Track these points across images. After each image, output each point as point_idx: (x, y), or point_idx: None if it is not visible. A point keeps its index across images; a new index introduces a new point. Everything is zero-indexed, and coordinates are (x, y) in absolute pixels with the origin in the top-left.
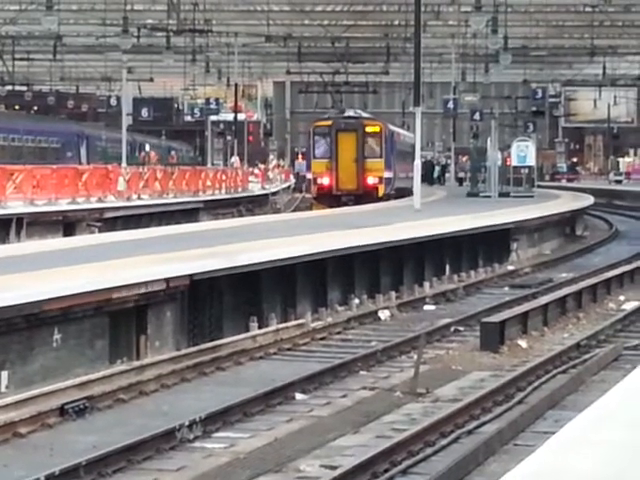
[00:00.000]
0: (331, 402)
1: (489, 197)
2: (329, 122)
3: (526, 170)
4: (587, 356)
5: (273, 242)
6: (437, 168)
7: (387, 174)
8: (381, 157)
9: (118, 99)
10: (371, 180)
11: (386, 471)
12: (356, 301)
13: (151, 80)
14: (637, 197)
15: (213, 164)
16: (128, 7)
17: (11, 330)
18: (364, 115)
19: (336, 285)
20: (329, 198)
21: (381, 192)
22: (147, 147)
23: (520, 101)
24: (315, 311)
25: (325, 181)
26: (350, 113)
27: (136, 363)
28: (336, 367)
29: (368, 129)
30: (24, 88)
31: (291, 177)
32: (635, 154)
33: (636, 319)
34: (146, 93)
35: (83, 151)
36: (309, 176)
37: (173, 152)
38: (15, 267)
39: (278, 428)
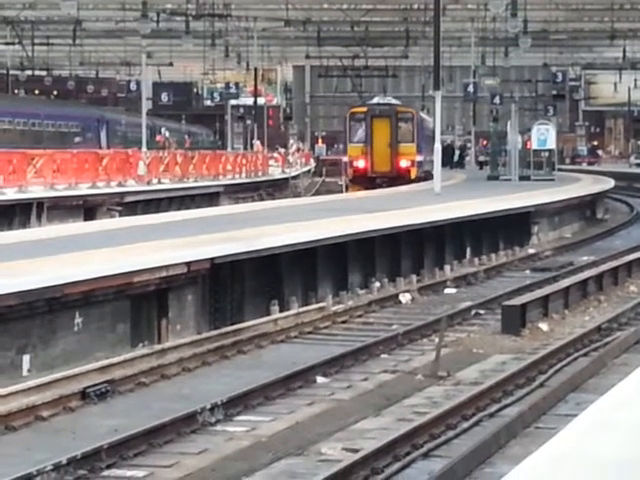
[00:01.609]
0: (352, 385)
1: (509, 180)
2: (364, 109)
3: (546, 153)
4: (608, 339)
5: (294, 226)
6: (457, 152)
7: (419, 157)
8: (413, 141)
9: (138, 84)
10: (404, 163)
11: (408, 454)
12: (377, 284)
13: (171, 65)
14: None
15: (233, 148)
16: None
17: (33, 314)
18: (397, 102)
19: (357, 268)
20: (364, 180)
21: (413, 174)
22: (167, 133)
23: (540, 84)
24: (336, 294)
25: (361, 164)
26: (383, 100)
27: (157, 347)
28: (357, 350)
29: (401, 115)
30: (44, 73)
31: (311, 161)
32: None
33: None
34: (166, 78)
35: (103, 135)
36: (345, 159)
37: (186, 136)
38: (36, 251)
39: (299, 411)
